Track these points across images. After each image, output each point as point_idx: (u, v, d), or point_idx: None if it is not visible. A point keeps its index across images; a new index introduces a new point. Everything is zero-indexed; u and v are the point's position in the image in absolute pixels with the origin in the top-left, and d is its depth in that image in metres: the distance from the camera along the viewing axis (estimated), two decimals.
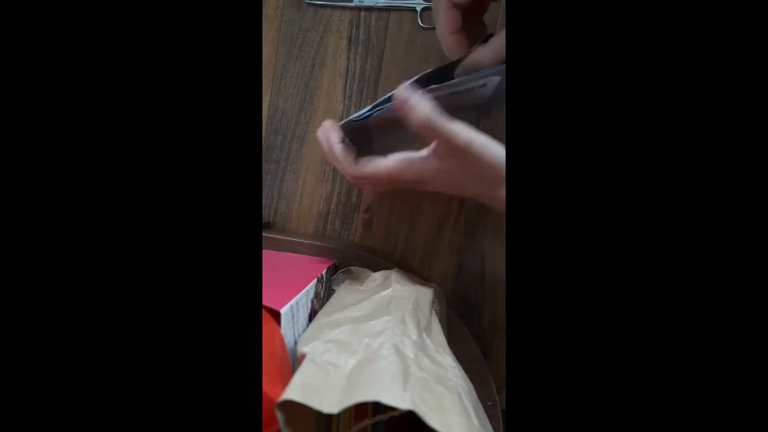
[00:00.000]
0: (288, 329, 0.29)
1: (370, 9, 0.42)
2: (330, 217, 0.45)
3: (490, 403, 0.38)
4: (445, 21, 0.33)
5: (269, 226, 0.45)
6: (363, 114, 0.35)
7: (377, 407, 0.29)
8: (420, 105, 0.30)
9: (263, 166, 0.45)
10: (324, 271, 0.38)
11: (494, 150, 0.29)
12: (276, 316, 0.28)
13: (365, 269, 0.41)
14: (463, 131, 0.29)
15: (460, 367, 0.27)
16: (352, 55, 0.43)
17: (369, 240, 0.45)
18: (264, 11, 0.44)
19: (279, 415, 0.20)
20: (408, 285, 0.36)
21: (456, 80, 0.32)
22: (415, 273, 0.43)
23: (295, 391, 0.20)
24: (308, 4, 0.43)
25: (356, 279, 0.40)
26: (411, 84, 0.31)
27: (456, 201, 0.43)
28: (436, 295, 0.38)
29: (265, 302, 0.27)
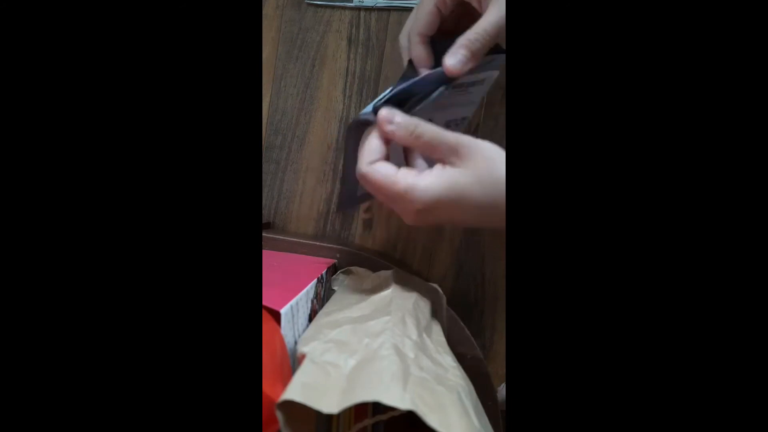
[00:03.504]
0: (288, 329, 0.29)
1: (370, 9, 0.42)
2: (330, 217, 0.45)
3: (490, 403, 0.38)
4: (425, 22, 0.32)
5: (269, 226, 0.45)
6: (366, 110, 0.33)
7: (377, 407, 0.29)
8: (404, 125, 0.28)
9: (263, 166, 0.45)
10: (324, 271, 0.38)
11: (488, 146, 0.27)
12: (276, 316, 0.28)
13: (365, 269, 0.41)
14: (450, 134, 0.28)
15: (460, 367, 0.27)
16: (352, 55, 0.43)
17: (369, 240, 0.45)
18: (264, 11, 0.44)
19: (279, 415, 0.20)
20: (408, 285, 0.36)
21: (439, 90, 0.31)
22: (415, 273, 0.43)
23: (295, 391, 0.20)
24: (308, 4, 0.43)
25: (356, 279, 0.40)
26: (390, 103, 0.30)
27: None
28: (436, 295, 0.38)
29: (265, 302, 0.27)
